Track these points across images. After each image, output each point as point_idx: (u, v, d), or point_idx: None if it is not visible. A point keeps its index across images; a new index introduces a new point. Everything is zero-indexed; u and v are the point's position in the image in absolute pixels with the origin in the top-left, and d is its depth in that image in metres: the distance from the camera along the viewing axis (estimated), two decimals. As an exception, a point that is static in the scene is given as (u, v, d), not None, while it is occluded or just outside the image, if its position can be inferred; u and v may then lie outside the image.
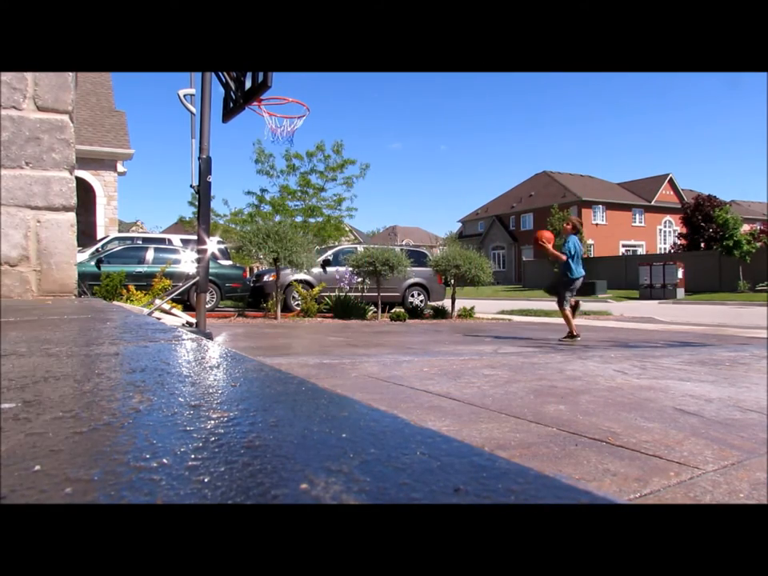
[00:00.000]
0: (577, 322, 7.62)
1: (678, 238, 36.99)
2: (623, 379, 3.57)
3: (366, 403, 0.70)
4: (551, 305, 8.71)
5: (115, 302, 6.55)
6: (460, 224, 57.62)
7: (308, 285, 11.44)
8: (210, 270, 6.23)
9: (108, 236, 13.07)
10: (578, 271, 6.58)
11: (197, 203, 5.23)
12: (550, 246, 6.73)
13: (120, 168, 16.65)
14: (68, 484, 0.42)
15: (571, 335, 6.64)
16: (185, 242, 12.52)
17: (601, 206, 44.17)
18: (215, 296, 11.49)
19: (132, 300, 7.70)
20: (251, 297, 12.23)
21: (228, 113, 5.19)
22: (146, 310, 5.06)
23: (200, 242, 4.94)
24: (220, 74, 4.99)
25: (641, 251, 43.97)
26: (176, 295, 5.93)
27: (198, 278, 4.95)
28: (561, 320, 7.33)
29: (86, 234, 13.86)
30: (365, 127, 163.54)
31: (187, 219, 22.49)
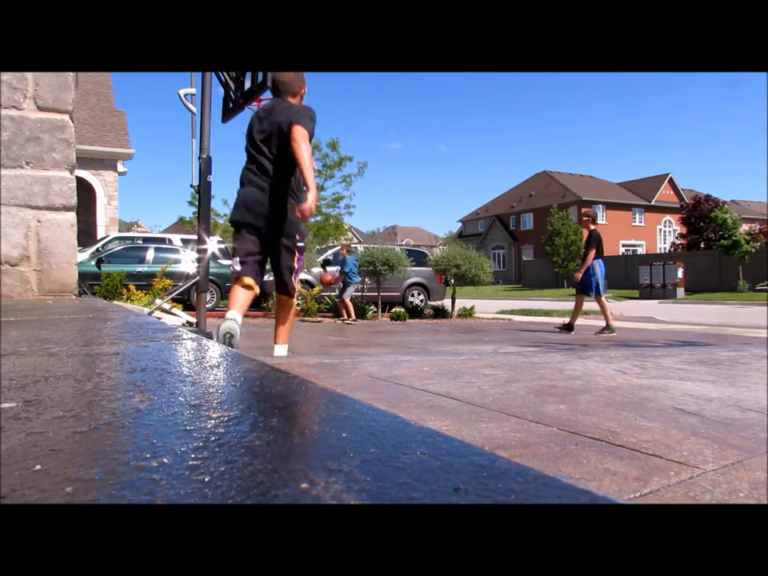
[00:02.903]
0: (577, 321, 7.67)
1: (678, 238, 37.00)
2: (623, 379, 3.58)
3: (366, 403, 0.70)
4: (551, 305, 8.74)
5: (115, 302, 6.55)
6: (460, 224, 57.60)
7: (308, 285, 11.44)
8: (211, 270, 6.23)
9: (108, 236, 13.07)
10: (354, 279, 9.87)
11: (197, 203, 5.23)
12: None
13: (120, 168, 16.66)
14: (68, 483, 0.42)
15: (345, 319, 9.48)
16: (185, 241, 12.52)
17: (601, 205, 44.16)
18: (215, 296, 11.49)
19: (132, 300, 7.70)
20: (251, 296, 12.22)
21: (227, 113, 5.19)
22: (146, 310, 5.06)
23: (200, 241, 4.94)
24: (219, 74, 4.98)
25: (641, 251, 43.96)
26: (176, 295, 5.93)
27: (198, 278, 4.95)
28: (562, 320, 7.50)
29: (86, 233, 13.86)
30: (365, 127, 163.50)
31: (187, 219, 22.48)
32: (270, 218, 3.06)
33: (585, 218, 7.89)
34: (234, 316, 3.05)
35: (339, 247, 11.36)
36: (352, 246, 11.32)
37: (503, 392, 3.07)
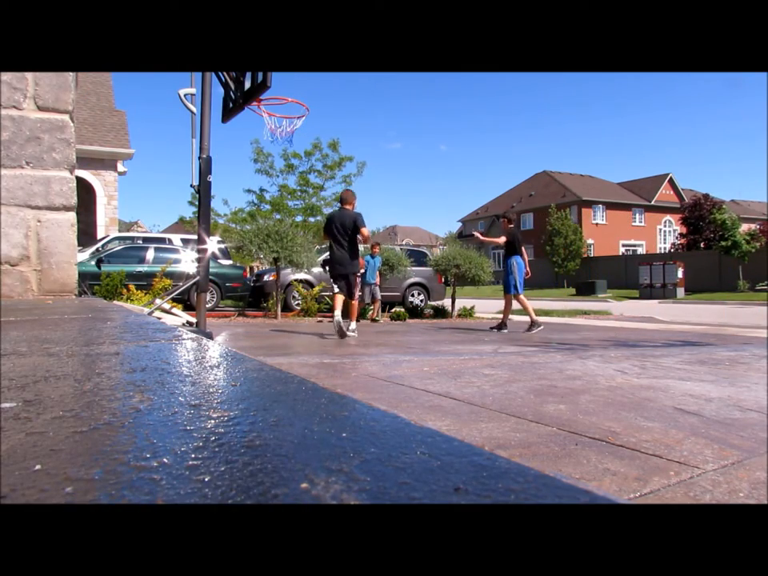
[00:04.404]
0: (577, 321, 7.67)
1: (678, 238, 37.00)
2: (623, 379, 3.58)
3: (366, 403, 0.70)
4: (550, 304, 8.74)
5: (115, 302, 6.55)
6: (460, 224, 57.60)
7: (308, 284, 11.44)
8: (210, 270, 6.23)
9: (108, 235, 13.07)
10: (370, 278, 10.28)
11: (197, 203, 5.23)
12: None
13: (120, 168, 16.65)
14: (68, 483, 0.42)
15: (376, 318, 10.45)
16: (185, 241, 12.53)
17: (601, 205, 44.14)
18: (215, 295, 11.49)
19: (132, 299, 7.70)
20: (251, 296, 12.23)
21: (227, 113, 5.19)
22: (146, 310, 5.06)
23: (200, 241, 4.94)
24: (219, 74, 4.98)
25: (641, 251, 43.93)
26: (176, 295, 5.93)
27: (198, 278, 4.95)
28: (561, 319, 7.52)
29: (86, 233, 13.86)
30: (365, 127, 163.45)
31: (187, 219, 22.49)
32: (348, 265, 6.48)
33: (501, 219, 8.19)
34: (338, 315, 6.36)
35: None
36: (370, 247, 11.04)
37: (503, 392, 3.07)
